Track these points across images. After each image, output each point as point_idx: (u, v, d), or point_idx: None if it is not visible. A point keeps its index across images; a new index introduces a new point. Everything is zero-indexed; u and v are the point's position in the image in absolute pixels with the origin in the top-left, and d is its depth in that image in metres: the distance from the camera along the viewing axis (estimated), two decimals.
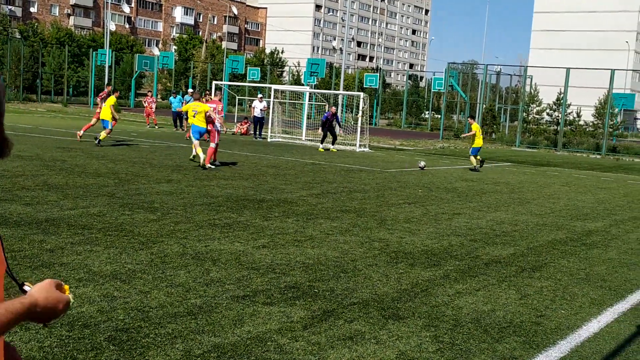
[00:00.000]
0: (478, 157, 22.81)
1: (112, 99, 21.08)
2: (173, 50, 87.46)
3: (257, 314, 5.69)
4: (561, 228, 11.50)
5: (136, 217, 9.47)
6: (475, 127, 23.21)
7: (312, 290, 6.54)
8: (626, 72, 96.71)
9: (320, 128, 28.27)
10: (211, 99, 19.29)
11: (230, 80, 53.69)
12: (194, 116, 17.28)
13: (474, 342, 5.41)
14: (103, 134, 20.55)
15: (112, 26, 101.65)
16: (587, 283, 7.70)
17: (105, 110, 20.79)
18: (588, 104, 52.97)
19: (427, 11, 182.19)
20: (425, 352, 5.11)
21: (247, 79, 54.60)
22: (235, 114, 40.72)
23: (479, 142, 22.98)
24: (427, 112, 74.64)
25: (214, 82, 37.96)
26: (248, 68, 55.52)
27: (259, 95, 33.04)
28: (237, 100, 44.76)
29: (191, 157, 17.31)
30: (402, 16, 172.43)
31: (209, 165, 16.69)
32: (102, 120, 20.87)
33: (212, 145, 17.17)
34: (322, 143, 27.01)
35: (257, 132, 31.28)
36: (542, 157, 34.75)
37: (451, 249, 9.04)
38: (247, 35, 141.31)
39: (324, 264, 7.64)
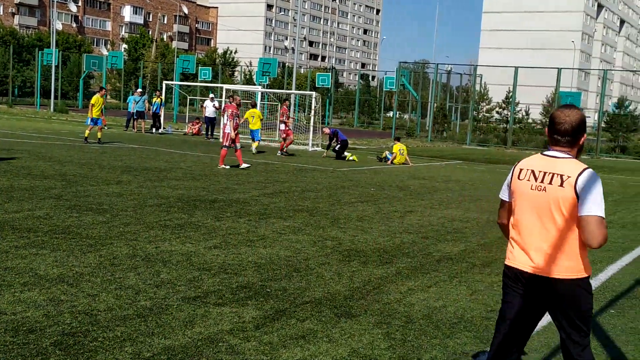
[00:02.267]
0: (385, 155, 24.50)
1: (94, 98, 23.12)
2: (122, 50, 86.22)
3: (209, 314, 5.63)
4: None
5: (84, 220, 9.29)
6: (396, 148, 24.05)
7: (264, 290, 6.50)
8: (572, 71, 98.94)
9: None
10: (161, 99, 19.63)
11: (181, 80, 53.19)
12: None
13: (425, 338, 5.45)
14: (88, 132, 22.88)
15: (58, 25, 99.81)
16: None
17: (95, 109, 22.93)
18: (536, 103, 54.04)
19: (378, 11, 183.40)
20: (377, 349, 5.12)
21: (199, 79, 54.16)
22: (187, 114, 40.32)
23: (401, 159, 23.87)
24: (381, 112, 75.10)
25: (164, 82, 37.53)
26: (199, 68, 55.07)
27: (210, 95, 32.76)
28: (188, 100, 44.32)
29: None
30: (354, 16, 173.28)
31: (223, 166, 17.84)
32: (92, 118, 22.95)
33: (225, 147, 18.12)
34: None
35: (210, 133, 31.01)
36: (492, 154, 35.29)
37: (403, 246, 9.10)
38: (198, 35, 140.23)
39: (276, 263, 7.61)
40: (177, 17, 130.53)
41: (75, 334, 4.95)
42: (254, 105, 26.10)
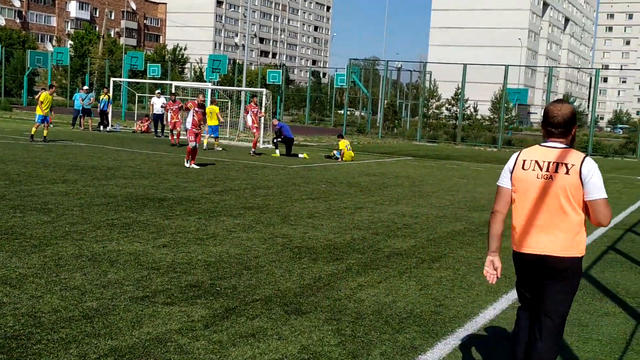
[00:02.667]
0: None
1: (43, 95, 22.89)
2: (68, 46, 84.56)
3: (157, 314, 5.56)
4: (460, 219, 11.82)
5: (28, 220, 9.08)
6: (342, 144, 24.29)
7: (213, 288, 6.44)
8: (519, 68, 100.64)
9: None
10: (109, 96, 19.75)
11: (129, 77, 52.43)
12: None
13: (375, 334, 5.47)
14: (35, 129, 22.71)
15: (1, 21, 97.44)
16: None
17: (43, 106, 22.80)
18: (484, 99, 54.81)
19: (328, 8, 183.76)
20: (327, 346, 5.12)
21: (148, 76, 53.48)
22: (135, 111, 39.76)
23: (350, 154, 24.27)
24: (332, 109, 75.26)
25: (112, 79, 36.95)
26: (148, 65, 54.36)
27: (157, 92, 32.32)
28: (137, 97, 43.71)
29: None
30: (304, 13, 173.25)
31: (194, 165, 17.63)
32: (39, 116, 22.75)
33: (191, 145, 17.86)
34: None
35: (161, 130, 30.59)
36: (441, 150, 35.70)
37: (354, 242, 9.13)
38: (146, 31, 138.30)
39: (226, 261, 7.55)
40: (125, 13, 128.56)
41: (18, 336, 4.83)
42: (213, 102, 26.34)
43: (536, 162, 4.19)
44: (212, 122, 24.26)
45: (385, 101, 51.91)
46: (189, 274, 6.88)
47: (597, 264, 8.87)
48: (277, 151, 24.40)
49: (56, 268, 6.74)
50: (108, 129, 32.25)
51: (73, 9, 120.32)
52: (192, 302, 5.96)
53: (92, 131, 31.19)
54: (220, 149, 24.96)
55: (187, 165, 17.53)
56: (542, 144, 4.30)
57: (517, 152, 4.35)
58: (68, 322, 5.21)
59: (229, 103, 34.27)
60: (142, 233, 8.76)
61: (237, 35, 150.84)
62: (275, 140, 24.79)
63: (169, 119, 26.67)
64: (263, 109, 29.15)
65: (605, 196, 4.08)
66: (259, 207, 11.61)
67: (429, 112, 48.64)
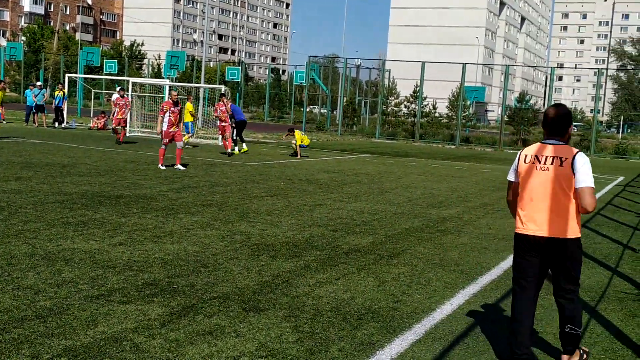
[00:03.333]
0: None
1: None
2: (22, 41, 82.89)
3: (113, 313, 5.48)
4: (418, 216, 11.90)
5: None
6: (298, 135, 24.18)
7: (171, 286, 6.37)
8: (477, 66, 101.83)
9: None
10: (64, 92, 19.05)
11: (85, 73, 51.62)
12: None
13: (333, 330, 5.47)
14: None
15: None
16: (442, 268, 8.00)
17: None
18: (443, 97, 55.32)
19: (287, 5, 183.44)
20: (286, 343, 5.11)
21: (104, 72, 52.70)
22: (92, 108, 39.11)
23: (305, 139, 24.39)
24: (291, 106, 75.15)
25: (67, 75, 36.38)
26: (104, 60, 53.59)
27: (118, 88, 31.86)
28: (93, 93, 43.00)
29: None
30: (263, 9, 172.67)
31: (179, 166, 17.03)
32: None
33: (179, 145, 17.31)
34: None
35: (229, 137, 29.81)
36: (400, 148, 35.92)
37: (312, 239, 9.12)
38: (102, 27, 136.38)
39: (184, 259, 7.49)
40: (81, 8, 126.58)
41: None
42: (187, 99, 26.29)
43: (535, 156, 4.97)
44: (186, 119, 24.30)
45: (345, 98, 52.04)
46: (146, 272, 6.80)
47: None
48: (245, 145, 24.34)
49: (8, 267, 6.60)
50: (63, 125, 31.70)
51: (27, 4, 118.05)
52: (149, 300, 5.90)
53: (46, 128, 30.64)
54: (191, 146, 24.69)
55: (162, 167, 16.53)
56: (543, 141, 5.04)
57: (520, 150, 5.15)
58: (20, 322, 5.10)
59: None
60: (98, 231, 8.63)
61: (195, 32, 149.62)
62: (234, 131, 24.68)
63: (115, 115, 25.24)
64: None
65: (592, 185, 4.78)
66: (218, 205, 11.53)
67: (388, 110, 48.89)
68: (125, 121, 25.17)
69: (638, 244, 10.53)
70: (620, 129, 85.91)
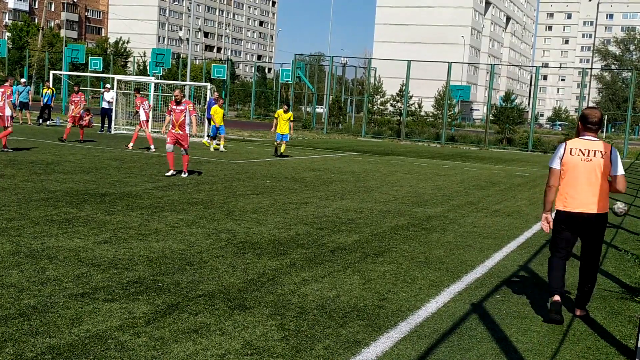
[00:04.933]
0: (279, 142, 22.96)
1: None
2: (6, 38, 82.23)
3: (97, 311, 5.45)
4: (403, 214, 11.93)
5: None
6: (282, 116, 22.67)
7: (156, 284, 6.36)
8: (462, 65, 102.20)
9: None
10: (52, 89, 18.33)
11: (70, 71, 51.32)
12: None
13: (318, 328, 5.48)
14: None
15: None
16: (427, 266, 8.03)
17: None
18: (428, 96, 55.46)
19: (274, 3, 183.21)
20: (271, 341, 5.11)
21: (89, 69, 52.41)
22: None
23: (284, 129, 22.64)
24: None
25: (51, 72, 36.15)
26: (89, 58, 53.27)
27: (107, 86, 31.67)
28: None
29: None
30: (249, 7, 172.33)
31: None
32: None
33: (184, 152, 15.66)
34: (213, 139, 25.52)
35: (108, 125, 29.84)
36: (386, 146, 35.98)
37: (298, 237, 9.13)
38: (87, 24, 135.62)
39: (169, 257, 7.47)
40: (65, 5, 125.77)
41: None
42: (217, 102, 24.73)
43: (580, 149, 6.18)
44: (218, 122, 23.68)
45: (331, 97, 52.05)
46: (131, 270, 6.78)
47: (537, 257, 9.07)
48: (216, 142, 24.68)
49: None
50: (48, 123, 31.50)
51: (11, 0, 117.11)
52: (134, 298, 5.88)
53: (31, 125, 30.43)
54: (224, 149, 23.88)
55: (169, 173, 15.02)
56: (582, 137, 6.26)
57: (563, 143, 6.30)
58: (4, 320, 5.07)
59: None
60: (83, 229, 8.59)
61: (181, 29, 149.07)
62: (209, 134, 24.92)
63: (70, 112, 24.15)
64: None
65: (624, 173, 6.24)
66: (203, 203, 11.51)
67: (374, 108, 48.98)
68: (80, 117, 23.94)
69: (622, 243, 10.61)
70: (605, 128, 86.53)
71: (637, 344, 5.59)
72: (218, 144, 24.21)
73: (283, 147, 22.80)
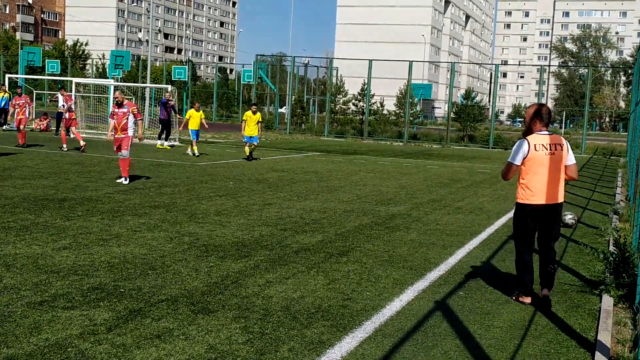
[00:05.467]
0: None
1: None
2: None
3: (57, 319, 5.35)
4: (367, 213, 11.96)
5: None
6: (250, 118, 22.09)
7: (117, 290, 6.26)
8: (423, 63, 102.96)
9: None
10: (9, 93, 17.75)
11: (26, 74, 50.46)
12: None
13: (283, 330, 5.45)
14: None
15: None
16: (391, 264, 8.05)
17: None
18: (390, 94, 55.76)
19: (234, 3, 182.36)
20: (235, 344, 5.07)
21: (46, 72, 51.59)
22: (34, 109, 38.21)
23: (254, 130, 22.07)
24: (239, 105, 74.70)
25: (7, 76, 35.49)
26: (47, 60, 52.45)
27: (62, 89, 31.21)
28: (34, 94, 42.08)
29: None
30: (210, 8, 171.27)
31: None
32: None
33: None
34: (160, 139, 25.89)
35: (63, 129, 29.47)
36: (349, 145, 36.07)
37: (262, 239, 9.08)
38: (44, 26, 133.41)
39: (131, 262, 7.37)
40: (21, 7, 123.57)
41: None
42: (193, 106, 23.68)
43: (542, 144, 6.50)
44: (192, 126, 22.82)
45: (293, 97, 52.01)
46: (92, 276, 6.67)
47: (499, 253, 9.16)
48: (165, 143, 25.17)
49: None
50: (4, 127, 30.90)
51: None
52: (95, 305, 5.78)
53: None
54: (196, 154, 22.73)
55: (124, 182, 14.18)
56: (539, 133, 6.57)
57: (524, 140, 6.52)
58: None
59: (133, 100, 33.51)
60: (41, 235, 8.44)
61: (140, 31, 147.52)
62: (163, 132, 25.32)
63: (16, 116, 23.13)
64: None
65: (576, 162, 6.72)
66: (165, 206, 11.39)
67: (336, 108, 49.06)
68: (26, 121, 23.18)
69: (580, 237, 10.77)
70: (563, 124, 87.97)
71: (597, 337, 5.68)
72: (167, 144, 24.65)
73: (252, 149, 22.18)
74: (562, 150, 6.54)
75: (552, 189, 6.50)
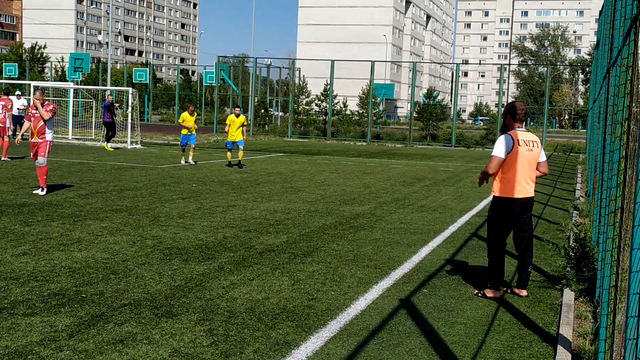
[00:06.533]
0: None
1: None
2: None
3: (16, 326, 5.25)
4: (331, 213, 11.97)
5: None
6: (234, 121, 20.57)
7: (79, 295, 6.17)
8: (385, 63, 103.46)
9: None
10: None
11: None
12: None
13: (248, 332, 5.43)
14: None
15: None
16: (355, 264, 8.07)
17: None
18: (353, 94, 55.90)
19: (195, 5, 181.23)
20: (200, 347, 5.03)
21: (4, 76, 50.69)
22: None
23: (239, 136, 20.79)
24: (202, 107, 74.26)
25: None
26: (4, 64, 51.54)
27: (17, 93, 30.68)
28: None
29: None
30: (170, 10, 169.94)
31: None
32: None
33: None
34: (108, 141, 25.90)
35: (21, 133, 29.09)
36: (312, 146, 36.08)
37: (226, 241, 9.04)
38: (0, 29, 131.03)
39: (93, 266, 7.27)
40: None
41: None
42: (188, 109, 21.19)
43: (524, 140, 6.73)
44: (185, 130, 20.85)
45: (256, 98, 51.86)
46: (52, 282, 6.57)
47: (462, 251, 9.24)
48: (109, 145, 25.50)
49: None
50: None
51: None
52: (56, 311, 5.69)
53: None
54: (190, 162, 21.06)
55: (41, 192, 12.67)
56: (518, 129, 6.79)
57: (508, 136, 6.69)
58: None
59: (94, 103, 33.10)
60: (0, 241, 8.27)
61: (100, 33, 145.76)
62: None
63: None
64: (130, 108, 28.42)
65: (546, 159, 7.02)
66: (127, 209, 11.27)
67: (299, 109, 49.04)
68: None
69: (542, 232, 10.92)
70: (524, 122, 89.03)
71: (559, 330, 5.76)
72: (111, 146, 25.18)
73: (241, 154, 20.56)
74: (538, 147, 6.83)
75: (529, 184, 6.76)
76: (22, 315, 5.54)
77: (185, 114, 21.07)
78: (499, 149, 6.69)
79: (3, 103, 21.65)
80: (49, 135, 13.07)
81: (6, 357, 4.62)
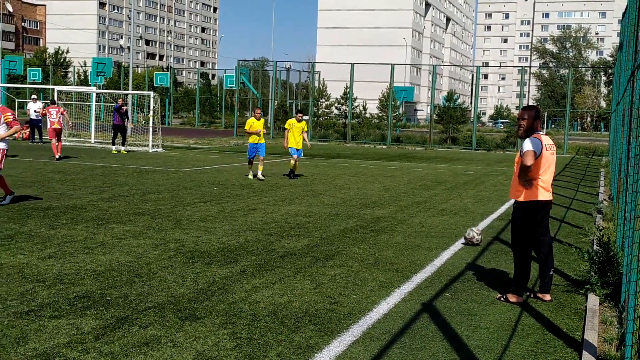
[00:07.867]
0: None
1: None
2: None
3: (44, 328, 5.32)
4: (352, 217, 11.98)
5: None
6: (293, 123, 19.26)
7: (104, 298, 6.24)
8: (405, 66, 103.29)
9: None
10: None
11: (8, 82, 50.11)
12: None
13: (271, 335, 5.46)
14: None
15: None
16: (377, 267, 8.08)
17: None
18: (373, 97, 55.87)
19: (215, 9, 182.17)
20: (223, 350, 5.07)
21: (28, 81, 51.26)
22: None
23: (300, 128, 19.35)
24: (222, 111, 74.58)
25: None
26: (28, 69, 52.13)
27: (33, 97, 31.04)
28: (17, 103, 41.81)
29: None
30: (191, 14, 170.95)
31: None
32: None
33: None
34: (114, 144, 26.20)
35: (39, 136, 29.46)
36: (332, 149, 36.10)
37: (247, 244, 9.08)
38: (25, 34, 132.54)
39: (117, 269, 7.34)
40: (1, 16, 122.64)
41: None
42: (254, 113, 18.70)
43: (547, 145, 6.76)
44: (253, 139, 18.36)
45: (276, 102, 52.00)
46: (78, 285, 6.64)
47: (484, 255, 9.21)
48: (122, 148, 25.80)
49: None
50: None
51: None
52: (82, 313, 5.76)
53: None
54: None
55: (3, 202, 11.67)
56: (540, 133, 6.79)
57: (536, 139, 6.65)
58: None
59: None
60: (26, 244, 8.38)
61: (121, 38, 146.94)
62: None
63: None
64: (151, 111, 28.62)
65: None
66: (150, 213, 11.35)
67: (319, 112, 49.11)
68: None
69: (564, 237, 10.86)
70: (545, 125, 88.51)
71: (584, 336, 5.73)
72: (118, 149, 25.42)
73: (296, 164, 18.82)
74: (554, 152, 6.89)
75: (551, 188, 6.88)
76: (49, 317, 5.61)
77: (251, 120, 18.46)
78: (533, 147, 6.62)
79: (57, 109, 22.61)
80: (2, 144, 11.67)
81: (34, 359, 4.68)
